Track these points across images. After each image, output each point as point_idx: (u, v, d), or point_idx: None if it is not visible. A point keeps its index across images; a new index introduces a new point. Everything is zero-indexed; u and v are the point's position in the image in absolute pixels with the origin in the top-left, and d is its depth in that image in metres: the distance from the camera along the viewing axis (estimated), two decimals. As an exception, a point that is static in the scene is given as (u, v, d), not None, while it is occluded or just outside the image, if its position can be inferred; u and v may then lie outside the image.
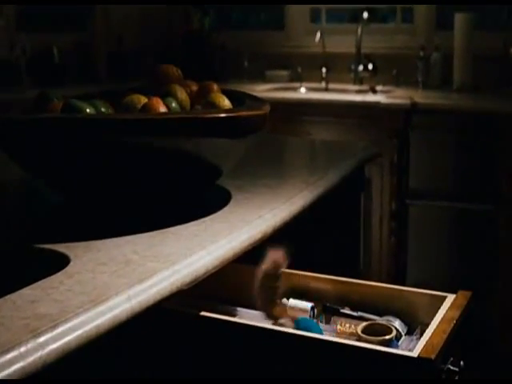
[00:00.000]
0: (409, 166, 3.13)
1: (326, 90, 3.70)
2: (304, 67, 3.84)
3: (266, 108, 1.42)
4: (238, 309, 1.33)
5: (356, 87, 3.66)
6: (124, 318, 0.96)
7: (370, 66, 3.67)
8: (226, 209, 1.39)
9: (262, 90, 3.61)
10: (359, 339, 1.16)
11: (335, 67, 3.76)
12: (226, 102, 1.46)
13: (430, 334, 1.10)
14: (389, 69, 3.63)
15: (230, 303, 1.35)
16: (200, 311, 1.16)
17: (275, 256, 1.17)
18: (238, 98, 1.51)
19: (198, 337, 1.17)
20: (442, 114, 3.06)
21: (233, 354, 1.16)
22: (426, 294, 1.31)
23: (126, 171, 1.29)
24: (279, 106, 3.35)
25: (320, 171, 1.73)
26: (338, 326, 1.26)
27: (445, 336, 1.09)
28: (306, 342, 1.10)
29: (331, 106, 3.31)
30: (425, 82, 3.53)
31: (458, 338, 1.19)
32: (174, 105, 1.44)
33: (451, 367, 1.14)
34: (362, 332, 1.17)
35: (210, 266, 1.16)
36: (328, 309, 1.29)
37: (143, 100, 1.38)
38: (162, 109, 1.35)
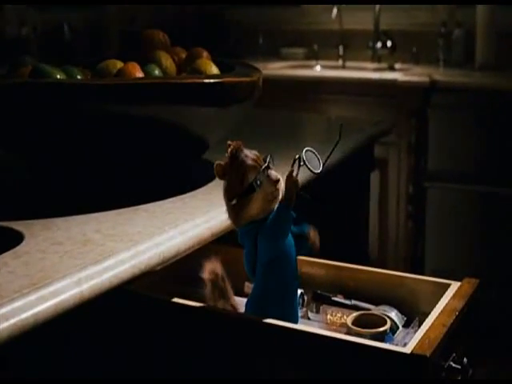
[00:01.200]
0: (427, 147, 2.98)
1: (343, 68, 3.55)
2: (320, 45, 3.70)
3: (256, 76, 1.28)
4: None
5: (374, 65, 3.51)
6: (71, 305, 0.84)
7: (389, 44, 3.51)
8: (210, 185, 1.26)
9: (276, 68, 3.47)
10: (349, 331, 1.03)
11: (352, 45, 3.61)
12: (213, 69, 1.33)
13: (427, 327, 0.97)
14: (408, 46, 3.47)
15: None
16: (173, 297, 1.03)
17: (212, 266, 1.05)
18: (229, 67, 1.38)
19: (171, 324, 1.05)
20: (463, 92, 2.90)
21: (208, 343, 1.03)
22: (429, 281, 1.17)
23: (97, 142, 1.17)
24: (294, 84, 3.24)
25: (321, 146, 1.59)
26: (328, 316, 1.13)
27: (444, 329, 0.96)
28: (284, 333, 0.97)
29: (347, 83, 3.17)
30: (446, 60, 3.37)
31: (461, 331, 1.06)
32: (156, 72, 1.31)
33: (453, 365, 1.00)
34: (353, 323, 1.04)
35: (183, 247, 1.03)
36: (318, 296, 1.16)
37: (119, 65, 1.25)
38: (139, 74, 1.22)
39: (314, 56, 3.68)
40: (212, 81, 1.17)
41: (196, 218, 1.09)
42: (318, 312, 1.15)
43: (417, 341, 0.93)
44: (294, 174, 0.96)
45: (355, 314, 1.06)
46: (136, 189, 1.19)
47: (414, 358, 0.89)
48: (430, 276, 1.17)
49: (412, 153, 3.03)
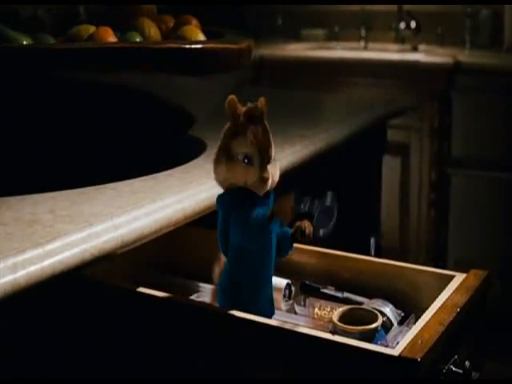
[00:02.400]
0: (451, 132, 2.84)
1: (365, 49, 3.41)
2: (342, 26, 3.55)
3: (244, 44, 1.16)
4: (196, 283, 1.08)
5: (396, 47, 3.35)
6: (2, 294, 0.73)
7: (413, 24, 3.35)
8: (191, 163, 1.15)
9: (295, 50, 3.34)
10: (335, 328, 0.90)
11: (375, 26, 3.46)
12: (199, 37, 1.21)
13: (421, 325, 0.84)
14: (433, 27, 3.31)
15: (186, 275, 1.10)
16: (139, 286, 0.91)
17: None
18: (219, 36, 1.26)
19: (136, 314, 0.93)
20: (489, 74, 2.75)
21: (176, 335, 0.92)
22: (432, 272, 1.04)
23: (67, 113, 1.05)
24: (313, 65, 3.11)
25: (323, 125, 1.46)
26: (316, 310, 1.00)
27: (441, 328, 0.83)
28: (260, 330, 0.85)
29: (368, 65, 3.03)
30: (472, 42, 3.21)
31: (465, 330, 0.92)
32: (137, 40, 1.19)
33: (453, 368, 0.87)
34: (341, 319, 0.91)
35: (147, 230, 0.91)
36: (306, 287, 1.04)
37: (92, 30, 1.14)
38: (111, 39, 1.11)
39: (334, 37, 3.54)
40: (188, 46, 1.05)
41: (166, 197, 0.97)
42: (305, 305, 1.03)
43: (408, 341, 0.80)
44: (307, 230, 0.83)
45: (342, 308, 0.93)
46: (110, 166, 1.07)
47: (402, 362, 0.77)
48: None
49: (435, 138, 2.89)
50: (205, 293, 1.08)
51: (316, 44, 3.50)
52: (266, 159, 0.83)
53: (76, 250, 0.81)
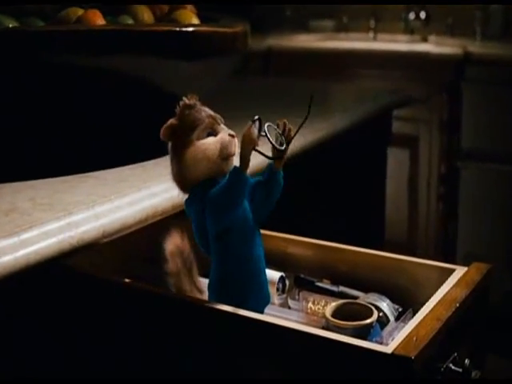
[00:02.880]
0: (461, 124, 2.78)
1: (374, 40, 3.35)
2: (351, 17, 3.49)
3: (238, 28, 1.11)
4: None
5: (406, 38, 3.29)
6: (-29, 286, 0.69)
7: (423, 15, 3.29)
8: (183, 152, 1.10)
9: (304, 40, 3.29)
10: (327, 324, 0.86)
11: (384, 17, 3.41)
12: (193, 21, 1.17)
13: (417, 321, 0.79)
14: (443, 18, 3.25)
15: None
16: (131, 279, 0.87)
17: (176, 241, 0.89)
18: (214, 21, 1.22)
19: (121, 307, 0.89)
20: (500, 66, 2.69)
21: (163, 329, 0.88)
22: (432, 266, 0.99)
23: (52, 98, 1.01)
24: (321, 56, 3.06)
25: (323, 114, 1.42)
26: (310, 305, 0.96)
27: (439, 324, 0.78)
28: (247, 324, 0.81)
29: (376, 56, 2.98)
30: (483, 33, 3.14)
31: (465, 326, 0.88)
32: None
33: (452, 367, 0.83)
34: (334, 314, 0.87)
35: (131, 220, 0.87)
36: (300, 281, 0.99)
37: (80, 13, 1.10)
38: (100, 22, 1.07)
39: (343, 28, 3.48)
40: (179, 29, 1.01)
41: (153, 186, 0.93)
42: (299, 299, 0.98)
43: (402, 338, 0.75)
44: (252, 131, 0.79)
45: (336, 303, 0.88)
46: (96, 153, 1.03)
47: (395, 360, 0.72)
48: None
49: (444, 130, 2.83)
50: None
51: (325, 35, 3.45)
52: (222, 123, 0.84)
53: (53, 240, 0.77)
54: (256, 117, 0.80)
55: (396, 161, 2.85)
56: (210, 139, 0.82)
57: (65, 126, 1.04)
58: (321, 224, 1.43)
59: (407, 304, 0.97)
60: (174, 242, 0.89)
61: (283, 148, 0.83)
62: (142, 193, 0.90)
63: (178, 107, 0.84)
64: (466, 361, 0.84)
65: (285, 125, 0.83)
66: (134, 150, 1.07)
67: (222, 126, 0.84)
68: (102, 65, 1.00)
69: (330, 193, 1.56)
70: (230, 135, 0.83)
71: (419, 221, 2.94)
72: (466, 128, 2.77)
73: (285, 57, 3.15)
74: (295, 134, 0.84)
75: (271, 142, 0.81)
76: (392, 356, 0.72)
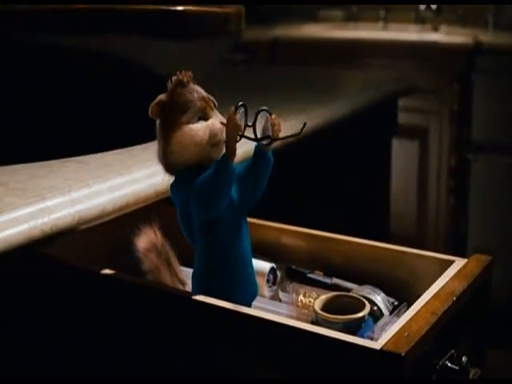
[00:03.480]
0: (471, 115, 2.72)
1: (384, 29, 3.30)
2: (360, 7, 3.43)
3: (230, 8, 1.06)
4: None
5: (416, 27, 3.24)
6: None
7: (434, 6, 3.23)
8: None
9: (312, 30, 3.24)
10: (316, 317, 0.81)
11: (395, 6, 3.34)
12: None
13: (410, 315, 0.74)
14: (454, 7, 3.18)
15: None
16: (103, 269, 0.83)
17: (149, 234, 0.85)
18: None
19: (101, 298, 0.85)
20: (512, 55, 2.63)
21: (150, 323, 0.83)
22: (432, 257, 0.94)
23: (38, 80, 0.97)
24: (331, 46, 3.01)
25: (323, 101, 1.37)
26: (300, 297, 0.91)
27: (433, 318, 0.73)
28: (232, 318, 0.76)
29: (386, 46, 2.92)
30: (495, 23, 3.08)
31: (463, 321, 0.83)
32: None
33: (449, 364, 0.78)
34: (324, 307, 0.82)
35: (110, 206, 0.83)
36: (292, 272, 0.95)
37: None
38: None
39: (353, 18, 3.43)
40: (166, 8, 0.96)
41: (136, 171, 0.88)
42: (290, 291, 0.94)
43: (393, 333, 0.71)
44: (237, 117, 0.74)
45: (326, 296, 0.84)
46: (83, 137, 0.99)
47: (384, 356, 0.67)
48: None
49: (455, 121, 2.77)
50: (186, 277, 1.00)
51: (333, 25, 3.40)
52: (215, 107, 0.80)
53: (24, 227, 0.73)
54: (240, 103, 0.75)
55: (405, 153, 2.80)
56: (200, 124, 0.78)
57: (51, 109, 1.00)
58: (320, 216, 1.38)
59: (404, 297, 0.92)
60: (145, 239, 0.85)
61: (265, 143, 0.78)
62: (124, 178, 0.86)
63: (169, 82, 0.79)
64: (464, 358, 0.79)
65: (276, 122, 0.77)
66: (121, 134, 1.02)
67: (215, 111, 0.80)
68: (89, 45, 0.96)
69: (331, 183, 1.51)
70: (221, 123, 0.78)
71: (428, 214, 2.89)
72: (477, 119, 2.72)
73: (292, 47, 3.10)
74: (280, 139, 0.78)
75: (255, 133, 0.76)
76: (381, 352, 0.67)
